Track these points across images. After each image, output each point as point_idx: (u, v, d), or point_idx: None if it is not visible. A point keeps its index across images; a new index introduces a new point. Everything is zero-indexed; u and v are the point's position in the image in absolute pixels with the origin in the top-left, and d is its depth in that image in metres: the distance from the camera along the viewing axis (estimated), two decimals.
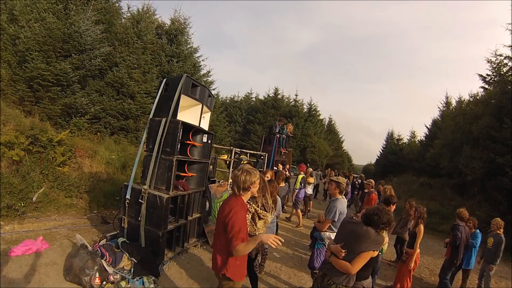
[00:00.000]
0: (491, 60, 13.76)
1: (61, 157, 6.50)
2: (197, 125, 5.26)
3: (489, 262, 5.35)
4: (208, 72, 15.38)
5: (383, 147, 33.52)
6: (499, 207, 10.53)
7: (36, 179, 5.81)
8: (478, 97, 15.69)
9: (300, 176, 9.36)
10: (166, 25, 13.38)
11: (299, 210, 8.85)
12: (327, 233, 4.01)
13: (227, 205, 2.56)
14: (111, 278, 3.66)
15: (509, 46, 12.62)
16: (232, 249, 2.34)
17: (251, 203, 3.35)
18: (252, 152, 10.90)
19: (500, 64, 13.53)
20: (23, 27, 7.80)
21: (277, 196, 4.62)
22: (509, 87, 12.47)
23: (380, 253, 3.26)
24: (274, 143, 11.08)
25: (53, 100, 7.98)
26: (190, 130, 5.19)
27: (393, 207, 4.80)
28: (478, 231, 5.55)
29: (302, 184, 9.20)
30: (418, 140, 28.40)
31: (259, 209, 3.39)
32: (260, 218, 3.42)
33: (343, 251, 2.72)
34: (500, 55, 13.27)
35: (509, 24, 12.16)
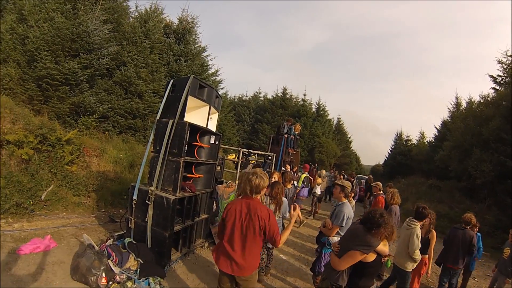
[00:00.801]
0: (502, 60, 13.53)
1: (70, 156, 6.54)
2: (205, 126, 5.25)
3: (503, 273, 5.17)
4: (216, 71, 15.37)
5: (391, 148, 33.25)
6: (508, 211, 10.38)
7: (44, 178, 5.86)
8: (488, 99, 15.40)
9: (303, 175, 9.34)
10: (174, 24, 13.38)
11: (300, 205, 8.85)
12: (335, 238, 3.96)
13: (257, 209, 2.68)
14: (117, 278, 3.66)
15: None
16: (278, 244, 2.73)
17: None
18: (260, 152, 10.88)
19: (511, 65, 13.27)
20: (32, 27, 7.86)
21: (284, 198, 4.62)
22: None
23: (385, 266, 3.19)
24: (282, 143, 11.05)
25: (62, 99, 8.03)
26: (198, 131, 5.19)
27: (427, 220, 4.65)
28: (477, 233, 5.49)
29: (305, 183, 9.18)
30: (427, 141, 28.12)
31: None
32: None
33: (338, 245, 2.89)
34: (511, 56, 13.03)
35: None
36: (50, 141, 6.27)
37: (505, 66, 13.64)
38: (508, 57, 13.14)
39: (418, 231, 4.16)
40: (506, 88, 13.81)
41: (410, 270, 4.29)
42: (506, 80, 13.96)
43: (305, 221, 8.66)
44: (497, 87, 14.88)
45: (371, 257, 2.70)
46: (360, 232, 2.71)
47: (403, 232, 4.36)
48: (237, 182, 7.43)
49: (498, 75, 14.53)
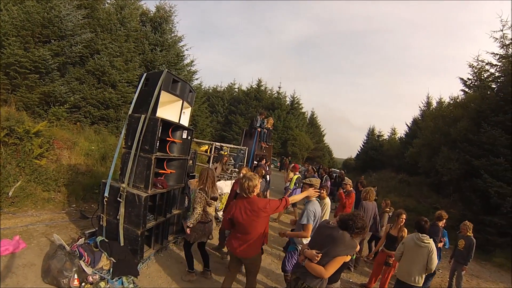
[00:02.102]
0: (472, 64, 14.04)
1: (39, 149, 6.33)
2: (177, 121, 5.22)
3: (461, 262, 5.61)
4: (192, 61, 15.32)
5: (364, 142, 34.15)
6: (472, 207, 10.99)
7: (12, 173, 5.65)
8: (458, 100, 16.07)
9: (295, 176, 9.40)
10: (151, 12, 13.10)
11: (296, 208, 9.13)
12: (303, 239, 4.02)
13: (257, 204, 3.31)
14: (90, 279, 3.64)
15: (491, 53, 12.92)
16: (288, 204, 3.53)
17: (202, 193, 4.13)
18: (232, 146, 10.89)
19: (481, 69, 13.84)
20: (0, 10, 7.46)
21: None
22: (488, 92, 12.79)
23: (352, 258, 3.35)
24: (255, 137, 11.06)
25: (31, 88, 7.72)
26: (170, 126, 5.15)
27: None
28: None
29: (297, 184, 9.26)
30: (398, 138, 29.06)
31: (208, 198, 4.19)
32: (209, 205, 4.28)
33: (318, 256, 2.79)
34: (482, 61, 13.57)
35: (493, 31, 12.46)
36: (18, 134, 6.06)
37: (475, 70, 14.14)
38: (479, 62, 13.66)
39: (434, 246, 4.08)
40: (475, 91, 14.36)
41: (421, 285, 4.18)
42: (476, 83, 14.53)
43: (277, 223, 8.78)
44: (467, 90, 15.48)
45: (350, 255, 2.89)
46: (346, 238, 2.79)
47: (414, 249, 4.15)
48: (211, 179, 7.53)
49: (468, 78, 15.07)
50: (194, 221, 4.08)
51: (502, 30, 12.13)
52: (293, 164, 10.91)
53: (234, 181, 6.21)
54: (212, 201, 4.31)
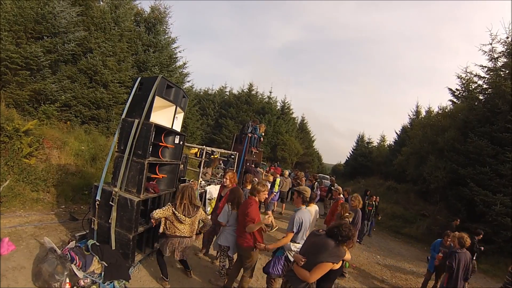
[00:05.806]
0: (461, 76, 14.50)
1: (28, 148, 6.21)
2: (170, 126, 5.20)
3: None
4: (184, 64, 15.18)
5: (353, 149, 34.53)
6: (458, 214, 11.27)
7: (0, 172, 5.53)
8: (446, 110, 16.51)
9: (278, 180, 9.41)
10: (146, 12, 12.98)
11: (270, 212, 8.90)
12: (290, 244, 4.00)
13: (248, 202, 4.13)
14: (82, 282, 3.59)
15: (480, 66, 13.35)
16: (246, 226, 3.95)
17: (171, 206, 4.01)
18: (222, 151, 10.89)
19: (469, 81, 14.27)
20: None
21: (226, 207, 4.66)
22: (476, 103, 13.20)
23: (345, 266, 3.41)
24: (245, 142, 11.06)
25: (21, 85, 7.57)
26: (163, 131, 5.12)
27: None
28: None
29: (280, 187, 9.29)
30: (387, 145, 29.51)
31: (180, 214, 3.96)
32: (180, 222, 4.00)
33: (303, 259, 2.95)
34: (470, 73, 14.04)
35: (483, 45, 12.85)
36: (7, 132, 5.94)
37: (464, 81, 14.64)
38: (467, 73, 14.10)
39: None
40: (462, 102, 14.89)
41: None
42: (464, 94, 15.04)
43: (277, 227, 8.57)
44: (455, 100, 15.98)
45: (339, 264, 2.97)
46: (330, 245, 2.85)
47: None
48: (199, 180, 7.47)
49: (456, 89, 15.62)
50: (153, 215, 4.01)
51: (491, 44, 12.52)
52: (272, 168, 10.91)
53: (220, 185, 6.06)
54: (185, 218, 3.99)
